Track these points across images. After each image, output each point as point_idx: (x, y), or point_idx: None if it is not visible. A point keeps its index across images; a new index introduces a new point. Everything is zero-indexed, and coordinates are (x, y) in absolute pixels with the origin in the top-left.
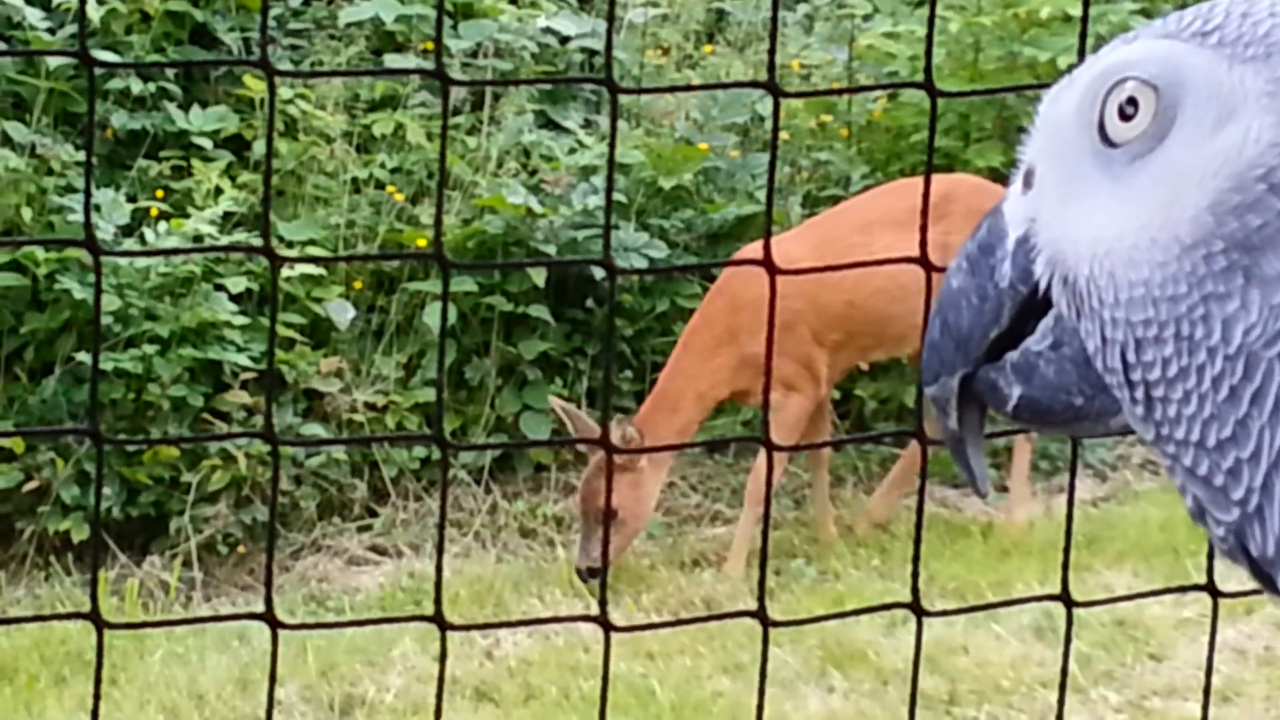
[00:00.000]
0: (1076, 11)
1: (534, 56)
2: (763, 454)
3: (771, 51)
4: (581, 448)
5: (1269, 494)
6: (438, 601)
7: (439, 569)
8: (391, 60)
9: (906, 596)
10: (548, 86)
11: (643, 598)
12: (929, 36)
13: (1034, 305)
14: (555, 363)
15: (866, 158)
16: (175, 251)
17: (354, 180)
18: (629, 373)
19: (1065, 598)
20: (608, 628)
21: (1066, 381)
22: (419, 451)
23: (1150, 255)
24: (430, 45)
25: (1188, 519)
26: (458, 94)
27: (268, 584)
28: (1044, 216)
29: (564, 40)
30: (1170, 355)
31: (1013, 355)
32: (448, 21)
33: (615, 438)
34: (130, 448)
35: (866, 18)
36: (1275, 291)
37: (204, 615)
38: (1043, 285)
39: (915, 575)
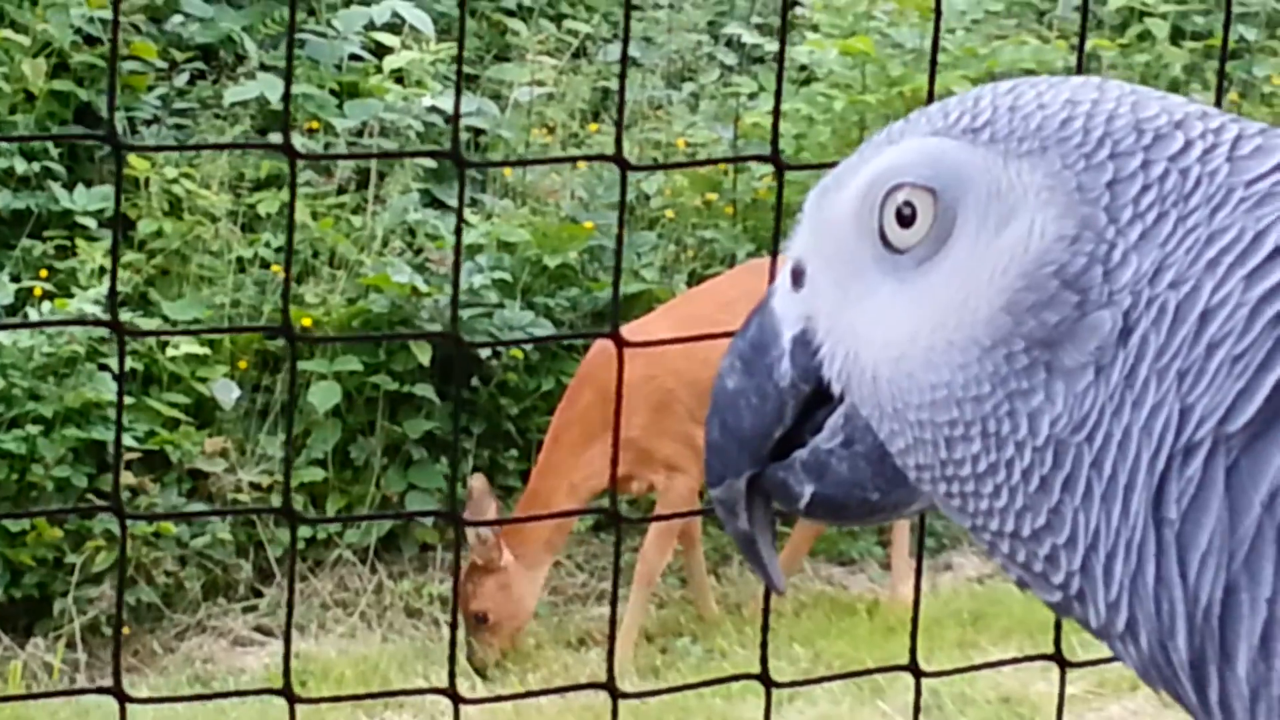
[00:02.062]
0: (960, 90)
1: (419, 135)
2: (649, 535)
3: (619, 124)
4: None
5: (1089, 575)
6: (286, 674)
7: (288, 640)
8: (276, 140)
9: (794, 674)
10: (433, 164)
11: (529, 676)
12: (775, 110)
13: (816, 401)
14: (441, 442)
15: (752, 235)
16: (12, 326)
17: (239, 259)
18: (514, 451)
19: (914, 668)
20: (456, 700)
21: (861, 478)
22: (304, 532)
23: (949, 357)
24: (316, 124)
25: None
26: (342, 172)
27: (115, 657)
28: (823, 317)
29: (449, 119)
30: (979, 452)
31: (802, 454)
32: (333, 100)
33: (471, 538)
34: (13, 529)
35: (752, 96)
36: (1078, 380)
37: (53, 690)
38: (836, 388)
39: (764, 645)
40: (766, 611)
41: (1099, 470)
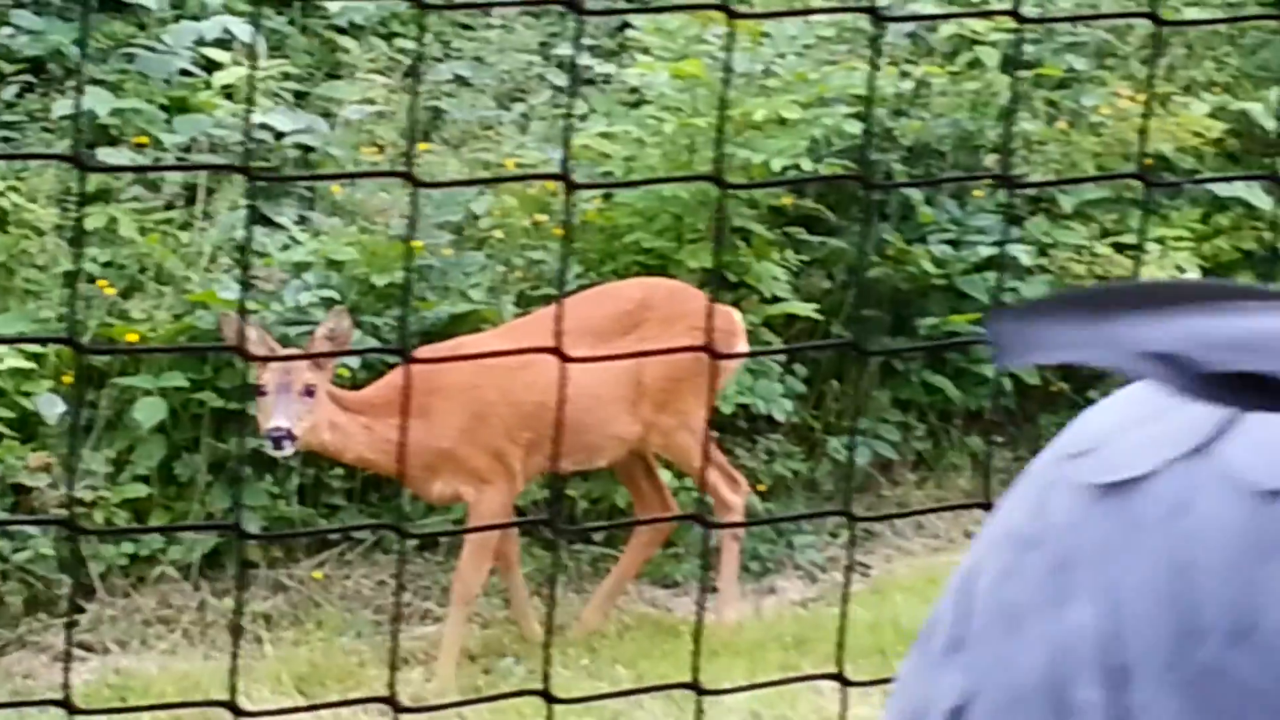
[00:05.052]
0: (791, 115)
1: (248, 152)
2: (463, 554)
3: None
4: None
5: None
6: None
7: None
8: (105, 154)
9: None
10: (263, 184)
11: (350, 695)
12: (569, 129)
13: None
14: (266, 459)
15: (580, 258)
16: None
17: (65, 274)
18: (340, 469)
19: (695, 686)
20: (237, 712)
21: None
22: (127, 547)
23: None
24: (145, 140)
25: (894, 621)
26: (170, 187)
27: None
28: None
29: (279, 136)
30: None
31: None
32: (162, 115)
33: (324, 331)
34: None
35: (583, 118)
36: None
37: None
38: None
39: (546, 660)
40: (551, 626)
41: None
